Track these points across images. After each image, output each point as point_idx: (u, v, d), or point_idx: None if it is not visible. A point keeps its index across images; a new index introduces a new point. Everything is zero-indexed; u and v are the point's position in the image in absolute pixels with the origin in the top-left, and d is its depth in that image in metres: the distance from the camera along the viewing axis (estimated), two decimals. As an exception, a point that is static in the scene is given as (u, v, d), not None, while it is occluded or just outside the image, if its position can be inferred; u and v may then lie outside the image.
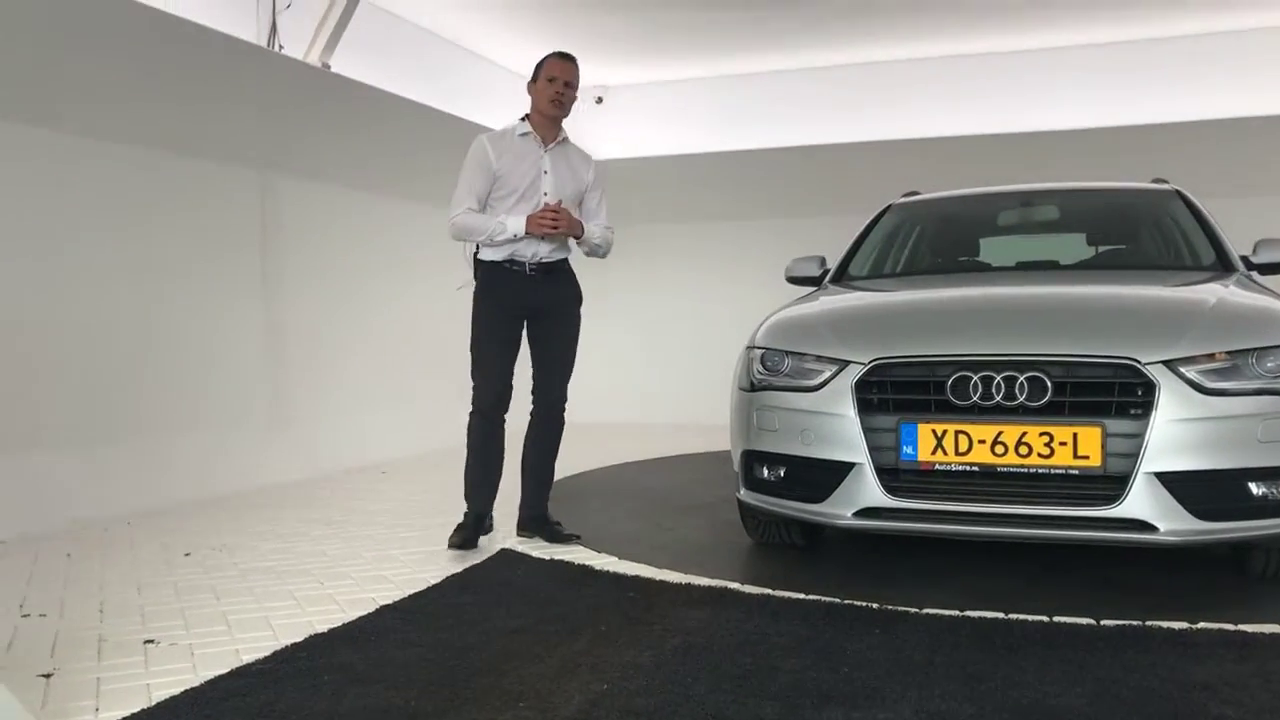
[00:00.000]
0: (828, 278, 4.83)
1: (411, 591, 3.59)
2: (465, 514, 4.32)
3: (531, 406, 4.40)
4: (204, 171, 6.01)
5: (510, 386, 4.28)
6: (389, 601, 3.45)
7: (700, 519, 4.85)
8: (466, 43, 8.94)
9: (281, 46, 6.45)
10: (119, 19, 5.34)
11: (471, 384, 4.28)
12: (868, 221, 5.23)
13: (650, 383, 9.15)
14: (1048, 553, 3.84)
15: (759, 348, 3.81)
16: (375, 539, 4.56)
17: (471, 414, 4.28)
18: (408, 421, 7.56)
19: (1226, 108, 8.35)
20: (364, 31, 7.22)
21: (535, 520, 4.42)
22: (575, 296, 4.38)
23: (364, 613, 3.32)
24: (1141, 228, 4.84)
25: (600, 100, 10.60)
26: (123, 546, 4.45)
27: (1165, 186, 4.98)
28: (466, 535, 4.22)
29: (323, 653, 2.90)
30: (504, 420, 4.29)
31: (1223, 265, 4.29)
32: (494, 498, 4.36)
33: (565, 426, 4.47)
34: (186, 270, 5.88)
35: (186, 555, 4.27)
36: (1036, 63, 9.11)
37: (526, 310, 4.25)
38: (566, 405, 4.43)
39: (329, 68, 6.64)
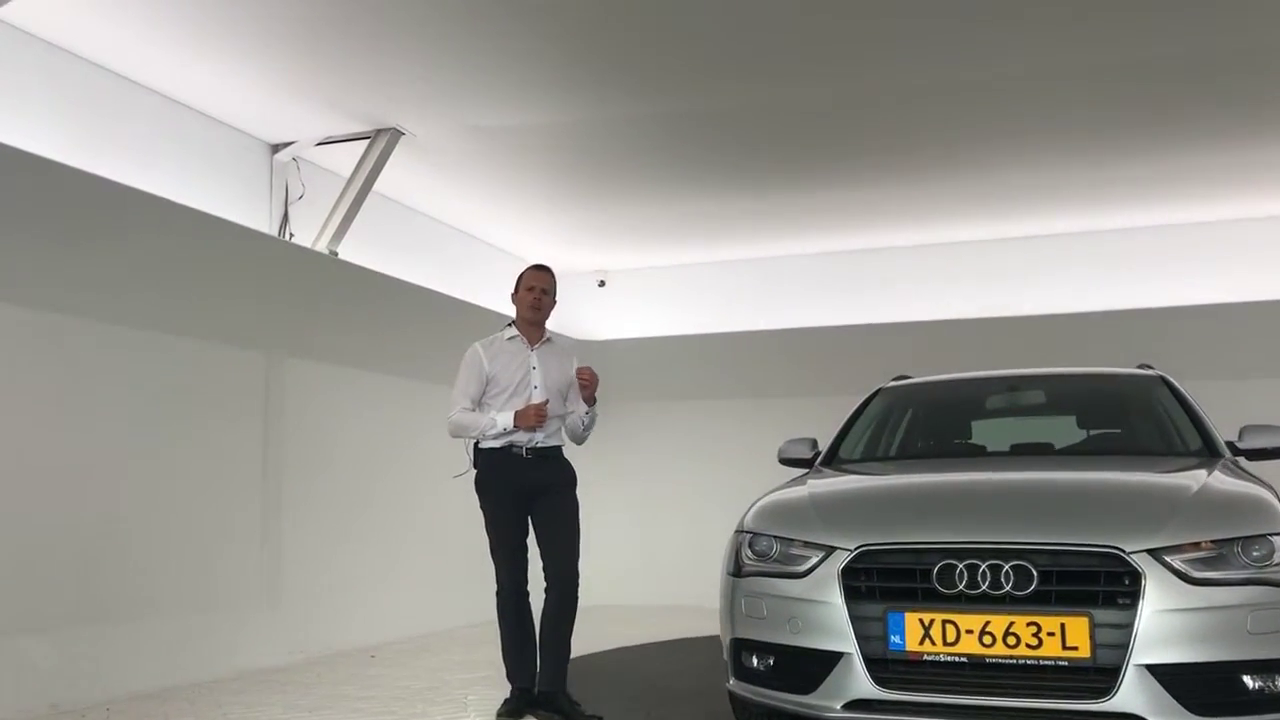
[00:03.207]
0: (819, 460, 4.86)
1: (389, 786, 3.48)
2: (511, 691, 4.58)
3: (545, 586, 4.57)
4: (211, 354, 6.12)
5: (526, 566, 4.60)
6: (365, 797, 3.34)
7: (693, 708, 4.72)
8: (473, 230, 9.28)
9: (292, 235, 6.70)
10: (138, 210, 5.57)
11: (493, 565, 4.62)
12: (858, 404, 5.30)
13: (644, 563, 9.07)
14: None
15: (747, 531, 3.80)
16: (358, 729, 4.45)
17: (498, 594, 4.60)
18: (398, 604, 7.45)
19: (1209, 294, 8.57)
20: (372, 220, 7.50)
21: (551, 698, 4.48)
22: (570, 479, 4.69)
23: (338, 809, 3.21)
24: (1128, 413, 4.88)
25: (603, 284, 10.91)
26: (98, 735, 4.34)
27: (1150, 372, 5.06)
28: (513, 708, 4.49)
29: None
30: (528, 594, 4.59)
31: (1209, 450, 4.31)
32: (534, 670, 4.56)
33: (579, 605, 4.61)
34: (188, 451, 5.92)
35: (163, 745, 4.15)
36: (1024, 249, 9.45)
37: (526, 490, 4.55)
38: (580, 584, 4.58)
39: (336, 254, 6.87)
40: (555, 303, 4.81)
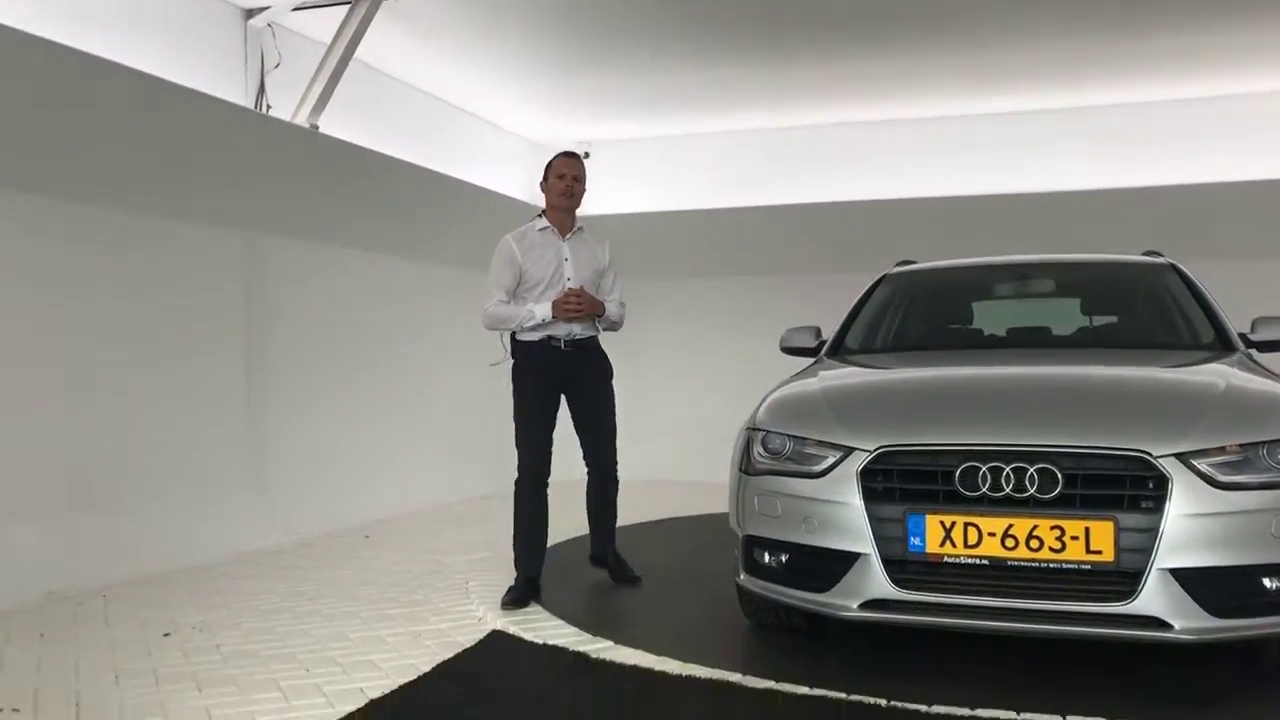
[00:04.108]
0: (824, 350, 4.78)
1: (401, 681, 3.46)
2: (516, 578, 4.62)
3: (587, 470, 4.86)
4: (187, 234, 5.92)
5: (550, 455, 4.68)
6: (379, 694, 3.32)
7: (697, 596, 4.72)
8: (457, 100, 8.92)
9: (269, 107, 6.39)
10: (102, 82, 5.26)
11: (516, 453, 4.66)
12: (862, 291, 5.19)
13: (639, 439, 9.03)
14: (1057, 642, 3.73)
15: (759, 429, 3.73)
16: (360, 616, 4.43)
17: (517, 482, 4.66)
18: (390, 483, 7.43)
19: (1220, 171, 8.35)
20: (354, 91, 7.17)
21: (602, 558, 4.98)
22: (607, 371, 4.84)
23: (353, 707, 3.20)
24: (1138, 302, 4.81)
25: (587, 155, 10.58)
26: (98, 624, 4.30)
27: (1160, 260, 4.96)
28: (518, 596, 4.51)
29: (312, 758, 2.78)
30: (547, 485, 4.67)
31: (1222, 344, 4.26)
32: (543, 562, 4.68)
33: (619, 483, 4.95)
34: (168, 334, 5.77)
35: (166, 636, 4.12)
36: (1033, 124, 9.11)
37: (562, 384, 4.67)
38: (618, 466, 4.90)
39: (317, 128, 6.58)
40: (585, 190, 4.79)
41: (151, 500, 5.59)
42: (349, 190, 7.03)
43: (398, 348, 7.81)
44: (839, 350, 4.75)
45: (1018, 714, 3.03)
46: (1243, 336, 4.35)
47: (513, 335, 4.72)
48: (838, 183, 9.43)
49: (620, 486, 4.99)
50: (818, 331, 4.96)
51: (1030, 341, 4.71)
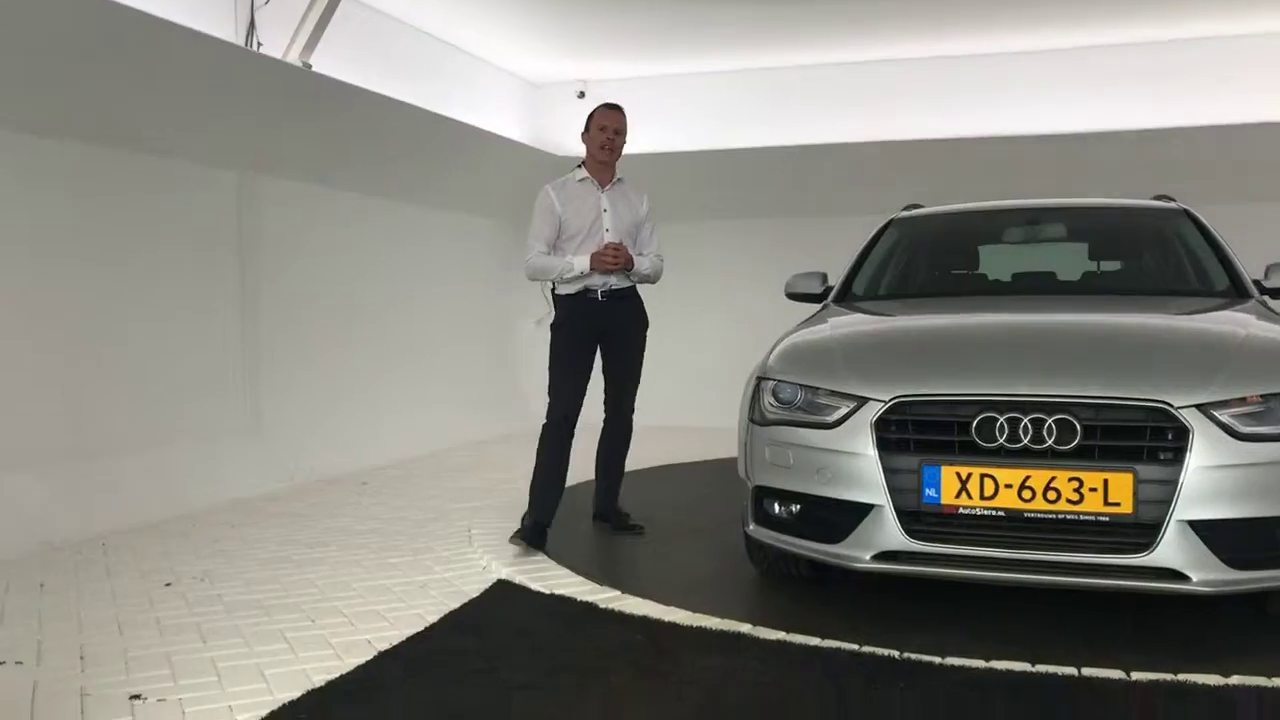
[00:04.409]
0: (831, 296, 4.71)
1: (409, 632, 3.43)
2: (524, 517, 4.65)
3: (604, 414, 4.89)
4: (178, 173, 5.80)
5: (581, 405, 4.71)
6: (386, 646, 3.29)
7: (703, 545, 4.70)
8: (451, 39, 8.71)
9: (260, 45, 6.21)
10: (87, 16, 5.09)
11: (547, 400, 4.71)
12: (868, 236, 5.10)
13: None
14: (1068, 593, 3.70)
15: (770, 379, 3.67)
16: (363, 565, 4.40)
17: (545, 426, 4.69)
18: (388, 429, 7.39)
19: (1231, 113, 8.19)
20: (347, 28, 6.98)
21: (606, 510, 4.99)
22: (643, 321, 4.89)
23: (361, 660, 3.16)
24: (1151, 248, 4.74)
25: (582, 95, 10.39)
26: (99, 574, 4.26)
27: (1173, 205, 4.89)
28: (528, 538, 4.52)
29: (322, 712, 2.75)
30: (573, 435, 4.70)
31: (1236, 290, 4.21)
32: (557, 507, 4.69)
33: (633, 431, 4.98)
34: (159, 276, 5.67)
35: (167, 585, 4.08)
36: (1044, 63, 8.86)
37: (599, 334, 4.71)
38: (634, 414, 4.93)
39: (310, 67, 6.41)
40: (625, 142, 4.78)
41: (148, 448, 5.53)
42: (343, 131, 6.88)
43: (394, 292, 7.72)
44: (846, 296, 4.68)
45: (1032, 665, 3.01)
46: (1256, 284, 4.30)
47: (553, 289, 4.78)
48: (842, 124, 9.23)
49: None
50: (824, 277, 4.89)
51: (1042, 288, 4.64)
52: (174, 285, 5.78)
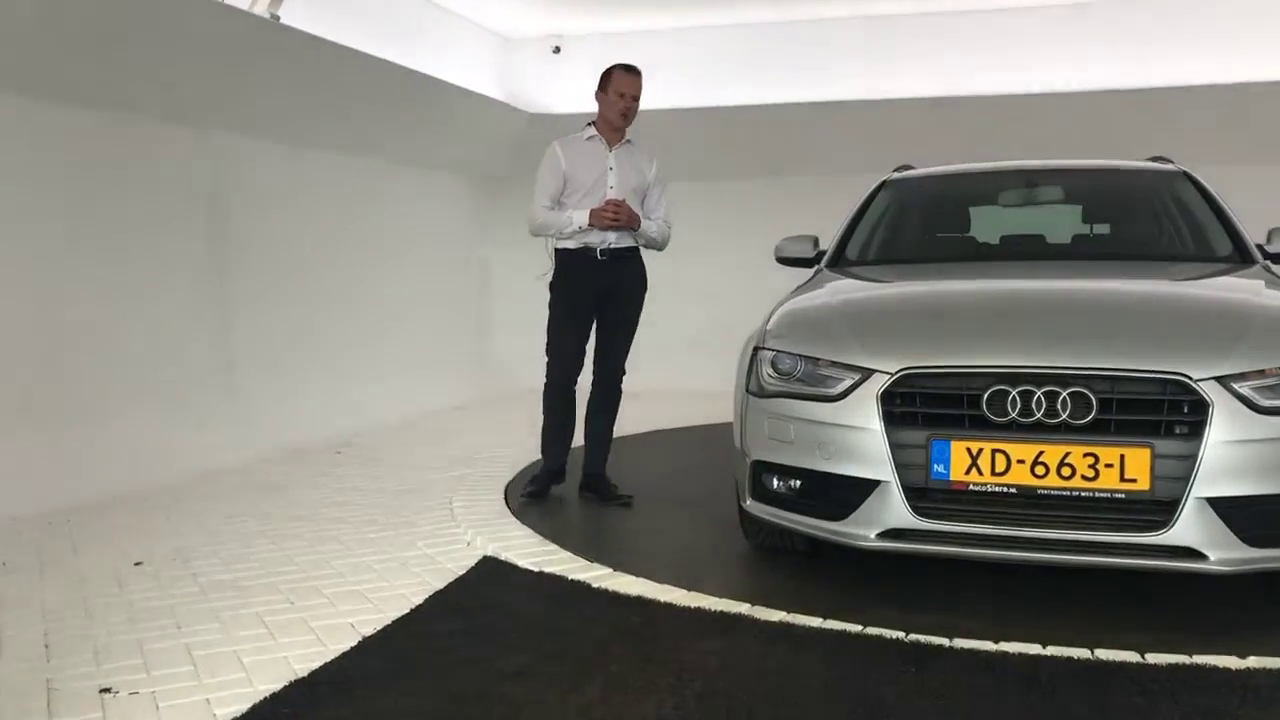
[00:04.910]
0: (824, 260, 4.56)
1: (394, 615, 3.29)
2: (540, 467, 4.88)
3: (593, 376, 4.84)
4: (138, 130, 5.55)
5: (581, 362, 4.79)
6: (371, 631, 3.14)
7: (694, 517, 4.57)
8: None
9: (225, -6, 5.94)
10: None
11: (546, 359, 4.79)
12: (860, 197, 4.95)
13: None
14: (1077, 571, 3.57)
15: (769, 349, 3.52)
16: (342, 541, 4.24)
17: (547, 385, 4.80)
18: (361, 395, 7.20)
19: (1232, 73, 8.02)
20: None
21: (594, 479, 4.87)
22: (642, 283, 4.83)
23: (345, 646, 3.02)
24: (1152, 211, 4.63)
25: (558, 50, 10.14)
26: (65, 552, 4.08)
27: (1171, 167, 4.77)
28: (540, 486, 4.80)
29: (307, 706, 2.60)
30: (574, 391, 4.81)
31: (1240, 256, 4.10)
32: (567, 454, 4.87)
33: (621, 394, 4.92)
34: (121, 239, 5.44)
35: (137, 565, 3.91)
36: (1040, 19, 8.64)
37: (598, 293, 4.68)
38: (625, 376, 4.87)
39: (278, 19, 6.14)
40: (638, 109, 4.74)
41: (114, 417, 5.33)
42: (312, 86, 6.62)
43: (366, 252, 7.51)
44: (839, 261, 4.54)
45: (1043, 647, 2.92)
46: (1260, 249, 4.19)
47: (555, 247, 4.76)
48: (831, 82, 9.00)
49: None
50: (815, 241, 4.74)
51: (1043, 253, 4.52)
52: (137, 247, 5.56)
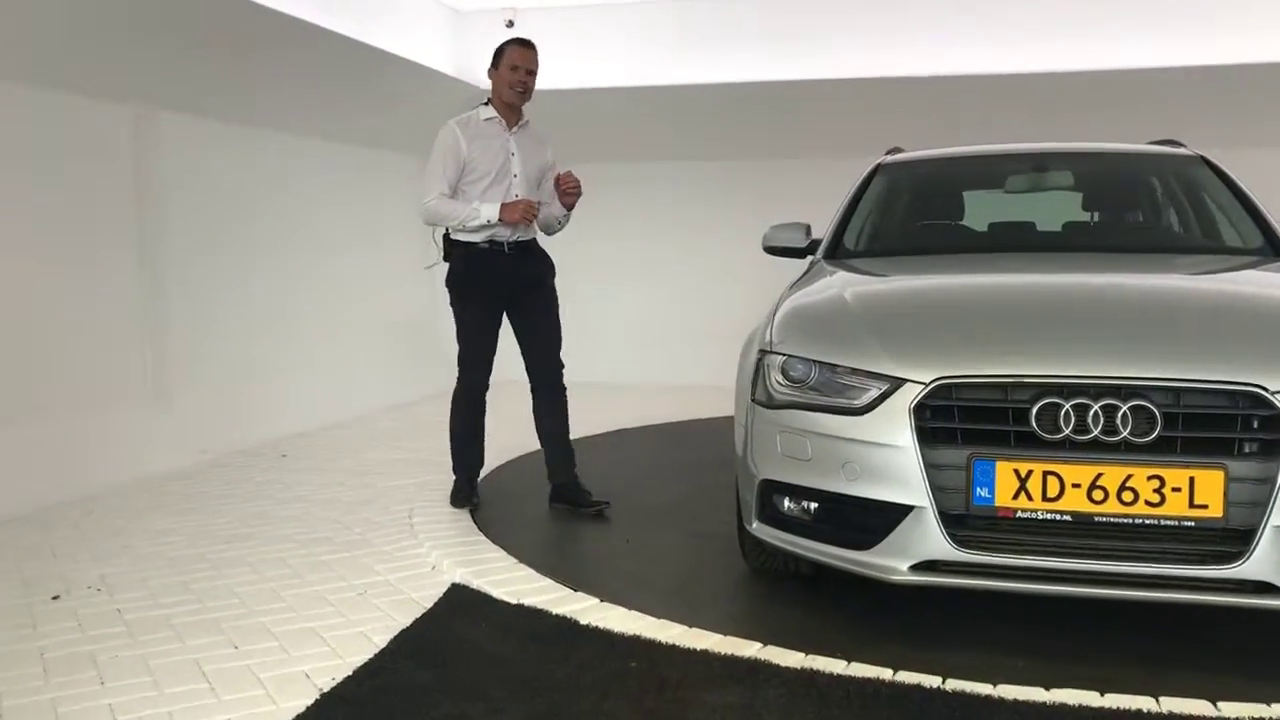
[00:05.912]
0: (820, 251, 4.18)
1: (355, 660, 2.86)
2: (457, 479, 4.54)
3: (531, 385, 4.52)
4: (66, 108, 5.00)
5: (492, 368, 4.46)
6: (329, 683, 2.71)
7: (677, 531, 4.18)
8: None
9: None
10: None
11: (458, 366, 4.44)
12: (852, 181, 4.58)
13: (582, 341, 8.34)
14: (1132, 606, 3.08)
15: (778, 353, 3.13)
16: (290, 564, 3.79)
17: (457, 392, 4.48)
18: (304, 393, 6.70)
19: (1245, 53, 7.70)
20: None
21: (565, 488, 4.52)
22: (550, 271, 4.53)
23: (301, 704, 2.58)
24: (1173, 200, 4.31)
25: (511, 24, 9.61)
26: (-30, 584, 3.58)
27: (1187, 151, 4.45)
28: (464, 497, 4.48)
29: (257, 793, 2.17)
30: (485, 401, 4.49)
31: (1273, 247, 3.79)
32: (482, 458, 4.60)
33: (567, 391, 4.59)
34: (44, 224, 4.90)
35: (55, 599, 3.43)
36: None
37: (507, 291, 4.37)
38: (564, 372, 4.55)
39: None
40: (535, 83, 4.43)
41: (33, 420, 4.80)
42: (252, 59, 6.07)
43: (309, 237, 6.99)
44: (837, 251, 4.15)
45: (1101, 694, 2.57)
46: (1284, 238, 3.89)
47: (446, 234, 4.40)
48: (809, 57, 8.51)
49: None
50: (808, 230, 4.36)
51: (1066, 244, 4.17)
52: (62, 234, 5.01)
